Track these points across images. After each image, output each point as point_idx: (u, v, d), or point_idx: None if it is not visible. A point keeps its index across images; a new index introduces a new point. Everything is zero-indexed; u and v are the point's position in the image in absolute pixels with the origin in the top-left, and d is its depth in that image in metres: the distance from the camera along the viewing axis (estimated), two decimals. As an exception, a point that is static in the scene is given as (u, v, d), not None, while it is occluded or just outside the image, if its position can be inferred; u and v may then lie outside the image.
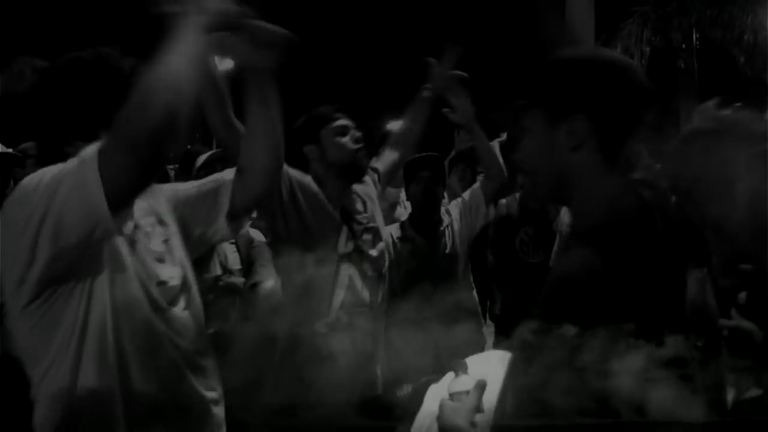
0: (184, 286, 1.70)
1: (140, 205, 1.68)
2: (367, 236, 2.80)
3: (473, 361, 1.15)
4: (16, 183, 3.86)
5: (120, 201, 1.39)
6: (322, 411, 2.29)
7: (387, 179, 3.14)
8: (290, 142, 2.84)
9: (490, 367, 1.10)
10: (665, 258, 1.17)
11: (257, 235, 3.34)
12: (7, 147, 3.98)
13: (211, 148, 3.97)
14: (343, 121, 2.82)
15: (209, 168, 3.62)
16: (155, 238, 1.69)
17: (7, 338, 2.60)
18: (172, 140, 1.38)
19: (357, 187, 2.88)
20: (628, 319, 0.95)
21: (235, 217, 1.83)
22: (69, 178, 1.38)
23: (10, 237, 1.42)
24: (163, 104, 1.33)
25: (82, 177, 1.36)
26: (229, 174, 1.86)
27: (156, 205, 1.75)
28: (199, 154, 3.81)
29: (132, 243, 1.61)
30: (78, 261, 1.44)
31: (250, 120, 1.79)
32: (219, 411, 1.73)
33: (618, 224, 1.15)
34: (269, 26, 1.64)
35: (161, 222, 1.74)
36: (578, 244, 1.16)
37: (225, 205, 1.80)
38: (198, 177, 3.58)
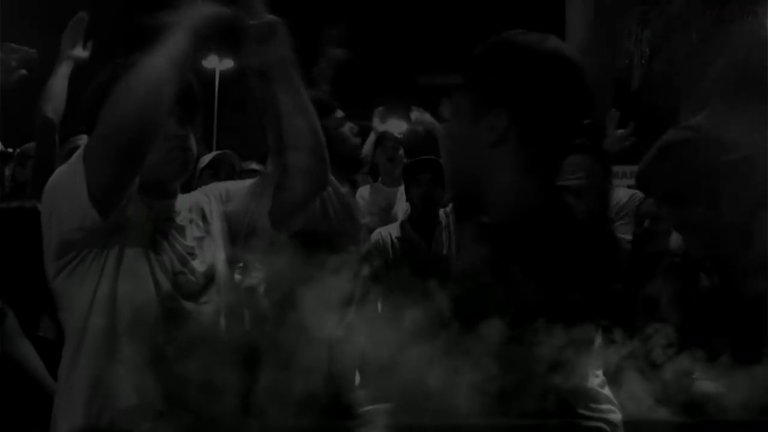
0: (210, 284, 1.71)
1: (184, 201, 1.75)
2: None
3: None
4: (14, 182, 3.89)
5: (103, 193, 1.48)
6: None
7: None
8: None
9: None
10: (574, 265, 1.07)
11: None
12: (10, 147, 4.00)
13: (210, 148, 4.00)
14: (341, 112, 2.78)
15: (212, 169, 3.65)
16: (189, 233, 1.72)
17: (6, 339, 2.63)
18: (146, 137, 1.48)
19: None
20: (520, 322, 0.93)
21: (278, 224, 1.80)
22: (65, 171, 1.54)
23: (42, 218, 1.57)
24: (138, 103, 1.43)
25: (72, 170, 1.50)
26: (275, 176, 1.84)
27: (203, 203, 1.79)
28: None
29: (156, 234, 1.65)
30: (86, 243, 1.54)
31: (283, 120, 1.77)
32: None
33: (524, 224, 1.07)
34: (261, 21, 1.66)
35: (204, 219, 1.76)
36: (480, 240, 1.12)
37: (266, 205, 1.79)
38: (201, 177, 3.63)
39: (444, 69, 1.24)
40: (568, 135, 1.18)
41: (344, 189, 2.85)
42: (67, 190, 1.51)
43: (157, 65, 1.46)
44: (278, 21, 1.69)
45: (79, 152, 1.52)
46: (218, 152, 3.83)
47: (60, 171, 1.57)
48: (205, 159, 3.71)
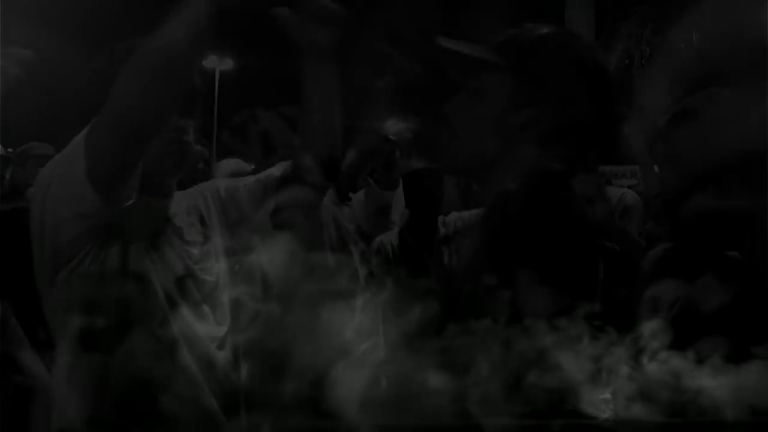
0: (213, 289, 1.67)
1: (180, 203, 1.69)
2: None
3: None
4: (13, 182, 3.89)
5: (103, 177, 1.41)
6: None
7: None
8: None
9: None
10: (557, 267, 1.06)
11: None
12: (10, 147, 4.00)
13: (210, 146, 3.97)
14: None
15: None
16: (188, 237, 1.67)
17: (7, 341, 2.63)
18: (158, 118, 1.42)
19: None
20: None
21: (280, 225, 1.76)
22: (59, 159, 1.47)
23: (32, 214, 1.50)
24: (152, 77, 1.35)
25: (70, 151, 1.43)
26: (277, 170, 1.81)
27: (201, 206, 1.74)
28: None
29: (156, 234, 1.60)
30: (83, 236, 1.46)
31: (306, 102, 1.73)
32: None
33: (517, 223, 1.06)
34: (327, 2, 1.61)
35: (202, 222, 1.71)
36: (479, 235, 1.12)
37: (269, 206, 1.76)
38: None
39: (467, 38, 1.19)
40: (588, 152, 1.18)
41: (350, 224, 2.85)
42: (63, 175, 1.43)
43: (173, 34, 1.36)
44: (338, 11, 1.62)
45: (80, 136, 1.45)
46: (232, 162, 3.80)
47: (54, 160, 1.51)
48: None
